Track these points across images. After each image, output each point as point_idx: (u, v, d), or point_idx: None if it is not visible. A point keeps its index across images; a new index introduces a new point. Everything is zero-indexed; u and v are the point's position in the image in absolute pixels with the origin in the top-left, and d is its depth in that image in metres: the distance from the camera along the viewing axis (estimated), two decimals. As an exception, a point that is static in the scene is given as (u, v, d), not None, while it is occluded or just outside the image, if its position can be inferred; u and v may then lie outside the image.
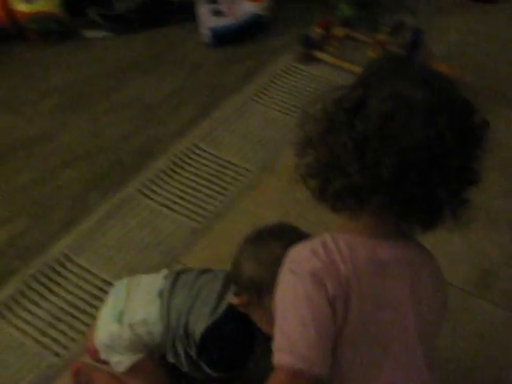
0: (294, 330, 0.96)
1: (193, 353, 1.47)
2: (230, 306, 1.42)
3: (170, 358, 1.52)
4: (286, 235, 1.36)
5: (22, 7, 2.79)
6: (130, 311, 1.52)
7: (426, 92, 0.97)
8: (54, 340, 1.76)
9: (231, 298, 1.42)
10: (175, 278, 1.55)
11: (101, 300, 1.82)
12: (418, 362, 1.06)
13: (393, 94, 0.97)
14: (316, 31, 2.72)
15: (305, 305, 0.97)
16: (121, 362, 1.52)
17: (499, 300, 1.86)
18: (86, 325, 1.78)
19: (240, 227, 2.05)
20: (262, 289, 1.34)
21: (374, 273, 1.02)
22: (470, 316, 1.80)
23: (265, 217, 2.06)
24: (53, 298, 1.86)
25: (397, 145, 0.95)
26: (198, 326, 1.44)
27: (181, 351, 1.49)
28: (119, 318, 1.51)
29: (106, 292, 1.84)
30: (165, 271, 1.60)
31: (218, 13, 2.83)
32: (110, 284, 1.86)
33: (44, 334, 1.78)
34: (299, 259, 1.02)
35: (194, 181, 2.20)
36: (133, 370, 1.52)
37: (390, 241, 1.05)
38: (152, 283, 1.56)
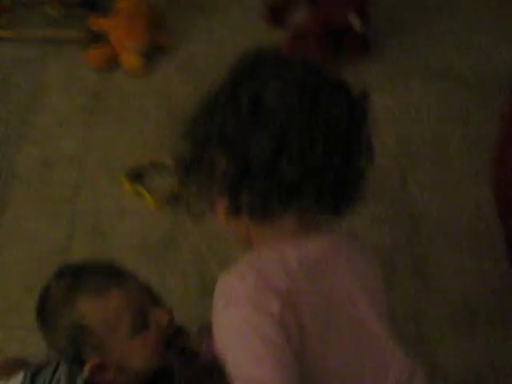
0: (251, 371, 0.87)
1: None
2: None
3: None
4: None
5: None
6: None
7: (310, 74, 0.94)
8: None
9: (84, 373, 1.16)
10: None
11: None
12: (389, 347, 1.01)
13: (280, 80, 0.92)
14: (-24, 8, 2.38)
15: (252, 338, 0.88)
16: None
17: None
18: None
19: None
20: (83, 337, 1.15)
21: (312, 272, 0.95)
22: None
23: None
24: None
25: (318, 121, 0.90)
26: None
27: None
28: None
29: None
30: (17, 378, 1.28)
31: None
32: None
33: None
34: (229, 290, 0.93)
35: None
36: None
37: (314, 235, 0.98)
38: None
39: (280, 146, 0.89)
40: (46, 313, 1.20)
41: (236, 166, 0.92)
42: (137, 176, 1.92)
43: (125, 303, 1.15)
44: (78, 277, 1.18)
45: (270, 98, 0.90)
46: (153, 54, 2.28)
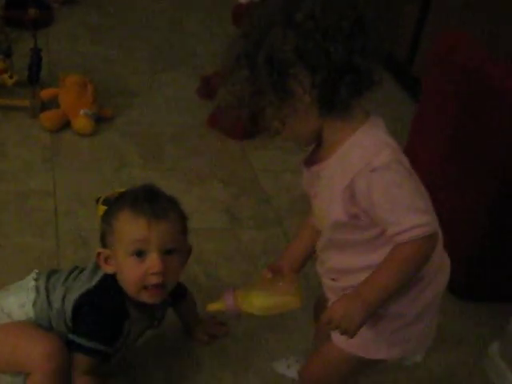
0: (414, 205, 1.15)
1: (67, 327, 1.51)
2: (104, 278, 1.51)
3: None
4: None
5: None
6: (2, 303, 1.54)
7: None
8: None
9: (98, 250, 1.51)
10: (48, 275, 1.59)
11: None
12: None
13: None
14: None
15: (406, 183, 1.15)
16: None
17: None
18: None
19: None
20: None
21: None
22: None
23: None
24: None
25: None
26: (73, 296, 1.50)
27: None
28: None
29: None
30: (33, 273, 1.60)
31: None
32: None
33: None
34: (372, 157, 1.15)
35: None
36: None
37: (373, 119, 1.24)
38: (21, 284, 1.59)
39: (351, 46, 1.12)
40: (106, 213, 1.55)
41: (322, 74, 1.12)
42: (109, 203, 2.23)
43: (142, 235, 1.43)
44: (138, 197, 1.49)
45: (323, 14, 1.11)
46: (97, 120, 2.66)
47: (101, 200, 2.22)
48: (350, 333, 1.20)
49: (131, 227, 1.45)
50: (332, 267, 1.32)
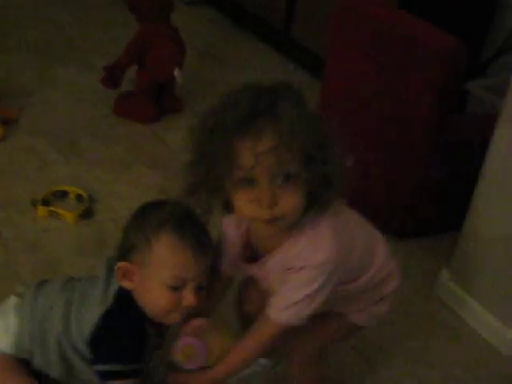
0: None
1: (79, 354, 1.39)
2: (120, 294, 1.37)
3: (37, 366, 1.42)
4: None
5: None
6: None
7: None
8: None
9: (116, 265, 1.35)
10: (38, 287, 1.43)
11: None
12: None
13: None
14: None
15: None
16: None
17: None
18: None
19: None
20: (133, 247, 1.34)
21: None
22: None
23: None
24: None
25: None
26: (87, 320, 1.36)
27: (56, 358, 1.39)
28: None
29: None
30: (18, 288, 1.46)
31: None
32: None
33: None
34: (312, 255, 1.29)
35: None
36: None
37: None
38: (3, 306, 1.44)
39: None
40: (143, 215, 1.36)
41: (317, 177, 1.20)
42: (46, 202, 2.22)
43: (185, 273, 1.33)
44: (183, 224, 1.34)
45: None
46: (3, 123, 2.60)
47: (38, 201, 2.21)
48: None
49: (176, 260, 1.33)
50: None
